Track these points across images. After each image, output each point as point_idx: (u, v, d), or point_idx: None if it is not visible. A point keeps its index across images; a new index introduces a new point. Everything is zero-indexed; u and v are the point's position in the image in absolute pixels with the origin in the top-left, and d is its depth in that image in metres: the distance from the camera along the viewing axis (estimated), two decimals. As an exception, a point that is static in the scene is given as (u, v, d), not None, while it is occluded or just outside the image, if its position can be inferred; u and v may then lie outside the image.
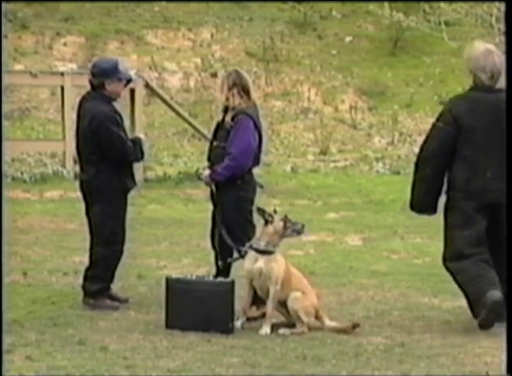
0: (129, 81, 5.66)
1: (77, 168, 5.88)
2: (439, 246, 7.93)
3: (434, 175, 5.14)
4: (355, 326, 5.07)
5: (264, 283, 5.04)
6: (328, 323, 5.10)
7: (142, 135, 5.77)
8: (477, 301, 4.97)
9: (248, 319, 5.12)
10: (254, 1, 17.78)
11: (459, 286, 5.15)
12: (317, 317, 5.08)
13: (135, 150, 5.47)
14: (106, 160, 5.39)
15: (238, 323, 5.05)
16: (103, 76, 5.41)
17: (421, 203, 5.31)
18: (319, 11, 17.93)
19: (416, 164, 5.22)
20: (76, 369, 4.27)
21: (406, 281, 6.40)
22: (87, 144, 5.43)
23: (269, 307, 5.04)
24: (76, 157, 5.84)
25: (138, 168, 10.89)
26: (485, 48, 5.05)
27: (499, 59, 4.97)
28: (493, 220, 5.09)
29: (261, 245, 5.06)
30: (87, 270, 5.53)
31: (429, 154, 5.14)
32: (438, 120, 5.16)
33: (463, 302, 5.76)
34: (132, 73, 5.89)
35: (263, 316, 5.11)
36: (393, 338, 4.94)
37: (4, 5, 16.17)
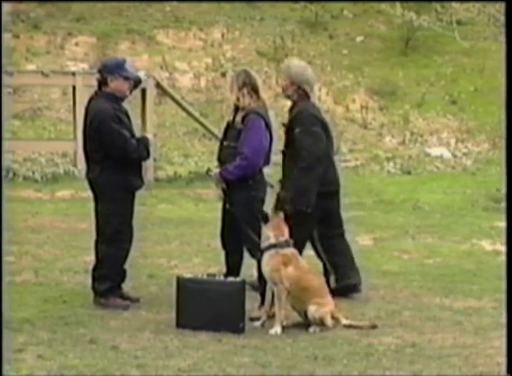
0: (138, 82, 5.67)
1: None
2: (450, 246, 7.94)
3: (322, 174, 5.70)
4: (373, 326, 5.07)
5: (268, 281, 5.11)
6: (344, 321, 5.11)
7: (149, 136, 5.75)
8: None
9: (252, 319, 5.13)
10: (265, 1, 17.78)
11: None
12: (333, 317, 5.09)
13: (139, 149, 5.43)
14: (110, 159, 5.38)
15: (258, 323, 5.08)
16: (105, 72, 5.41)
17: (313, 199, 5.66)
18: (330, 10, 17.91)
19: (310, 166, 5.63)
20: (87, 368, 4.28)
21: (417, 281, 6.38)
22: (91, 142, 5.44)
23: (276, 307, 5.04)
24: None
25: (148, 168, 10.97)
26: (304, 64, 5.91)
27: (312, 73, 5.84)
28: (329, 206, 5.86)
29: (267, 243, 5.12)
30: (94, 270, 5.54)
31: (320, 155, 5.67)
32: (309, 125, 5.69)
33: (475, 303, 5.75)
34: (142, 73, 5.88)
35: (272, 316, 5.12)
36: (404, 339, 4.93)
37: (16, 5, 16.25)
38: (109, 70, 5.41)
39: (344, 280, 5.81)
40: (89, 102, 5.55)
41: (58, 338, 4.75)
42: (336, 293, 5.52)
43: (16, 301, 5.48)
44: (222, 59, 16.34)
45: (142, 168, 5.65)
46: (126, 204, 5.47)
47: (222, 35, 16.92)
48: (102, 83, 5.44)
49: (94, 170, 5.47)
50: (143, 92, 11.46)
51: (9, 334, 4.76)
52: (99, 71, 5.47)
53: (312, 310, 5.01)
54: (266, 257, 5.11)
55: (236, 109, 5.40)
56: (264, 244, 5.12)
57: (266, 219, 5.14)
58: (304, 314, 5.07)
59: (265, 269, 5.10)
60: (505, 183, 5.11)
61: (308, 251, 5.84)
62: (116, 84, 5.40)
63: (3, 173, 10.85)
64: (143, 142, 5.52)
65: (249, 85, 5.32)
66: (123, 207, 5.45)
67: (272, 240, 5.10)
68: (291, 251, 5.15)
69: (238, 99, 5.34)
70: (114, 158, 5.39)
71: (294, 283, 5.05)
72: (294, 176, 5.63)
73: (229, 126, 5.47)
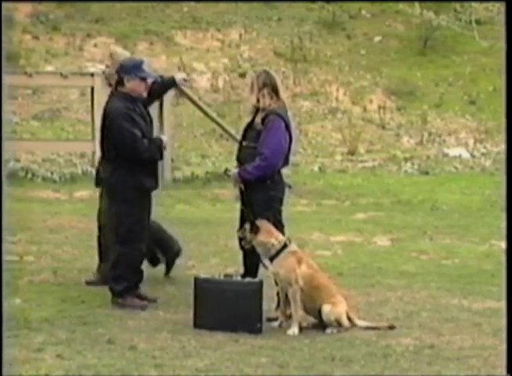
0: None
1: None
2: (469, 247, 7.89)
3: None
4: (390, 327, 5.05)
5: (281, 284, 5.10)
6: (360, 323, 5.10)
7: (164, 137, 5.74)
8: None
9: (269, 320, 5.13)
10: (282, 1, 17.77)
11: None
12: (347, 317, 5.08)
13: (150, 149, 5.40)
14: (122, 158, 5.38)
15: (275, 323, 5.08)
16: (122, 72, 5.43)
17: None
18: (348, 10, 17.87)
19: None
20: (105, 368, 4.29)
21: (435, 282, 6.35)
22: (106, 141, 5.47)
23: (293, 308, 5.03)
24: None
25: (166, 168, 11.00)
26: (127, 52, 6.09)
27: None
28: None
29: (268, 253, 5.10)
30: (110, 271, 5.55)
31: None
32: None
33: (493, 304, 5.71)
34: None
35: (290, 317, 5.11)
36: (422, 340, 4.91)
37: (36, 7, 16.36)
38: (126, 70, 5.43)
39: (169, 250, 6.21)
40: (107, 102, 5.58)
41: (76, 338, 4.77)
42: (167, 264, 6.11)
43: (35, 301, 5.52)
44: (240, 59, 16.36)
45: (158, 169, 5.65)
46: (138, 204, 5.45)
47: (240, 36, 16.93)
48: (118, 83, 5.46)
49: (106, 169, 5.49)
50: (161, 92, 11.48)
51: (28, 334, 4.79)
52: (117, 71, 5.49)
53: (327, 311, 5.00)
54: (279, 260, 5.07)
55: (256, 110, 5.40)
56: (271, 252, 5.08)
57: (257, 229, 5.10)
58: (319, 313, 5.05)
59: (281, 272, 5.07)
60: (505, 183, 5.07)
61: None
62: (132, 85, 5.42)
63: (22, 173, 10.93)
64: (156, 143, 5.49)
65: (269, 86, 5.31)
66: (135, 207, 5.43)
67: (277, 245, 5.09)
68: (295, 248, 5.15)
69: (258, 100, 5.33)
70: (125, 158, 5.40)
71: (308, 282, 5.04)
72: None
73: (249, 126, 5.46)
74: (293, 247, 5.13)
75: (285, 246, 5.08)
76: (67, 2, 16.62)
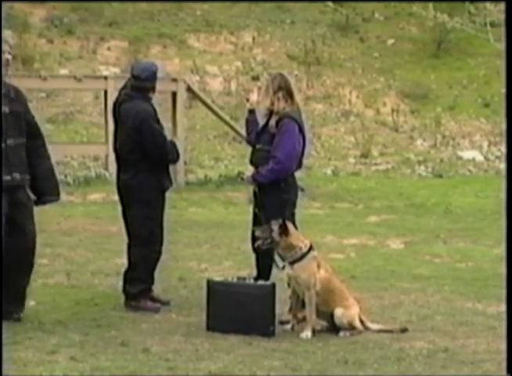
0: None
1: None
2: (483, 250, 7.85)
3: None
4: (403, 330, 5.04)
5: (298, 288, 5.08)
6: (373, 326, 5.08)
7: (176, 142, 5.86)
8: None
9: (282, 323, 5.13)
10: (296, 1, 17.78)
11: None
12: (359, 320, 5.06)
13: (173, 151, 5.56)
14: (145, 160, 5.44)
15: (287, 326, 5.07)
16: (154, 79, 5.52)
17: None
18: (361, 13, 17.86)
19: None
20: (119, 370, 4.30)
21: (449, 285, 6.33)
22: (128, 143, 5.48)
23: (308, 311, 5.02)
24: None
25: (179, 171, 11.04)
26: None
27: None
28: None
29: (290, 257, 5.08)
30: (126, 273, 5.57)
31: None
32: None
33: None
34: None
35: (303, 319, 5.10)
36: (436, 343, 4.88)
37: (50, 11, 16.47)
38: (155, 76, 5.53)
39: None
40: (119, 104, 5.59)
41: (90, 340, 4.78)
42: None
43: (48, 304, 5.54)
44: (253, 62, 16.38)
45: (172, 171, 5.75)
46: (159, 206, 5.52)
47: (253, 39, 16.96)
48: (145, 88, 5.48)
49: (128, 172, 5.49)
50: (174, 95, 11.54)
51: (42, 336, 4.81)
52: (146, 78, 5.48)
53: (339, 314, 4.99)
54: (302, 264, 5.06)
55: (270, 113, 5.40)
56: (297, 255, 5.05)
57: (287, 231, 5.05)
58: (331, 317, 5.04)
59: (302, 276, 5.04)
60: (505, 185, 5.04)
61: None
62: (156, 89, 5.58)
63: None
64: (175, 145, 5.62)
65: (284, 89, 5.32)
66: (156, 210, 5.49)
67: (304, 249, 5.08)
68: (316, 252, 5.14)
69: (272, 103, 5.33)
70: (151, 159, 5.44)
71: (324, 285, 5.03)
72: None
73: (263, 130, 5.47)
74: (315, 251, 5.12)
75: (309, 250, 5.07)
76: (82, 3, 16.70)
